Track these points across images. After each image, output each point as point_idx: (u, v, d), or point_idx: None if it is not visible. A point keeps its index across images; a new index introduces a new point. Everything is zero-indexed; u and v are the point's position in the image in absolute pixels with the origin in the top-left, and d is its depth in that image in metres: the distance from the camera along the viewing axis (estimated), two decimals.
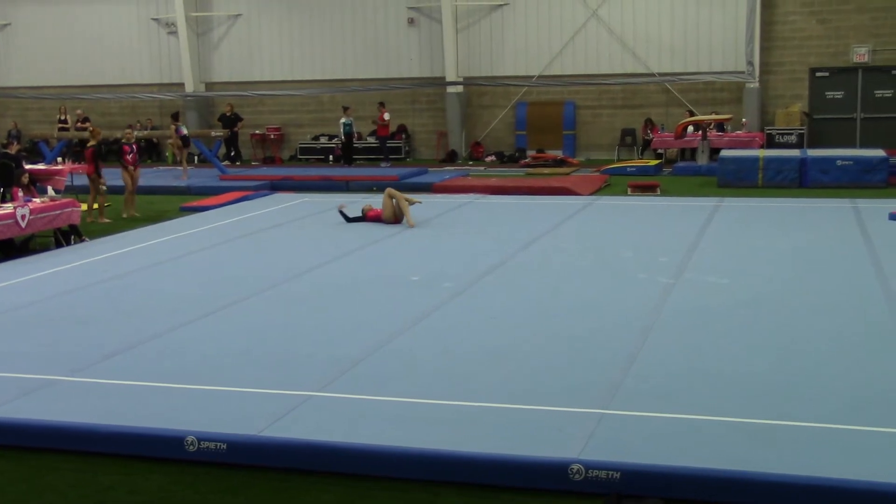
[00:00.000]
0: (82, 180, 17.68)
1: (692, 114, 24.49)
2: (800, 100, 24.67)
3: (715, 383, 6.92)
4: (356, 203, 15.78)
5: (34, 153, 24.87)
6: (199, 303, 9.75)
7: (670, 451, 5.68)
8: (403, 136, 27.38)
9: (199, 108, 28.66)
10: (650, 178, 20.70)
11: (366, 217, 14.66)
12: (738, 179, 19.40)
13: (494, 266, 11.26)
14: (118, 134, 20.96)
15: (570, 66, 25.88)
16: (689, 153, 23.80)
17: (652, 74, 25.22)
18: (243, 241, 13.60)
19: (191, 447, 6.04)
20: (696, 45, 25.11)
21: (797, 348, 7.76)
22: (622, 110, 26.03)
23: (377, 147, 26.15)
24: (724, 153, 20.67)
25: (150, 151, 28.85)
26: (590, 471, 5.49)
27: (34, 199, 13.80)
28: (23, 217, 12.96)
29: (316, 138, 27.94)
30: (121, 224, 16.12)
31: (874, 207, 14.98)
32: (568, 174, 22.04)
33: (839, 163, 19.23)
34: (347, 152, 25.49)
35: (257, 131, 28.26)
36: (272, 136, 28.38)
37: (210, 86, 28.82)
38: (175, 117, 24.75)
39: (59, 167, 17.90)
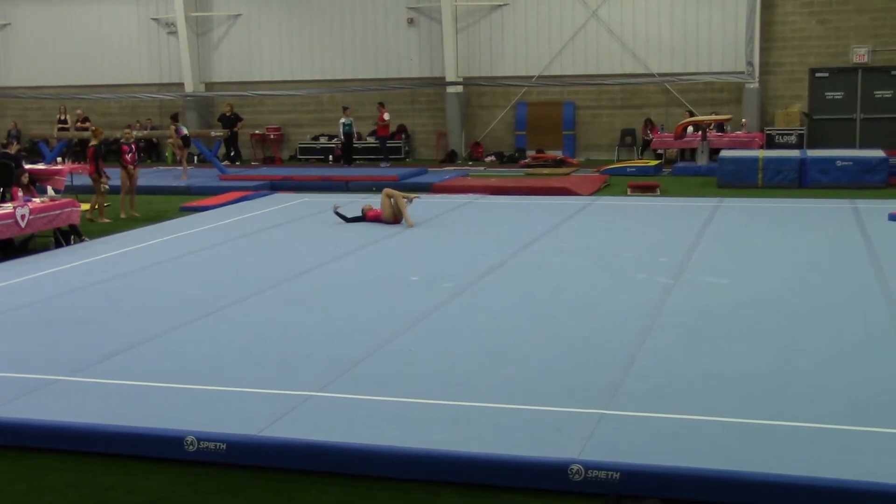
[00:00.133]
0: (82, 180, 17.68)
1: (692, 114, 24.49)
2: (799, 100, 24.67)
3: (714, 383, 6.92)
4: (355, 203, 15.78)
5: (34, 153, 24.87)
6: (199, 303, 9.75)
7: (670, 452, 5.68)
8: (403, 136, 27.38)
9: (198, 108, 28.65)
10: (650, 178, 20.71)
11: (365, 217, 14.66)
12: (737, 180, 19.40)
13: (494, 266, 11.26)
14: (117, 134, 20.96)
15: (569, 66, 25.88)
16: (689, 153, 23.80)
17: (652, 75, 25.22)
18: (243, 241, 13.60)
19: (190, 447, 6.05)
20: (696, 46, 25.11)
21: (797, 348, 7.77)
22: (622, 110, 26.03)
23: (377, 147, 26.15)
24: (724, 153, 20.69)
25: (150, 151, 28.87)
26: (589, 471, 5.49)
27: (34, 199, 13.79)
28: (22, 217, 12.95)
29: (316, 138, 27.94)
30: (120, 224, 16.12)
31: (874, 208, 14.98)
32: (568, 174, 22.04)
33: (839, 163, 19.25)
34: (347, 152, 25.49)
35: (257, 131, 28.25)
36: (272, 136, 28.38)
37: (210, 86, 28.82)
38: (175, 118, 24.74)
39: (59, 167, 17.90)
